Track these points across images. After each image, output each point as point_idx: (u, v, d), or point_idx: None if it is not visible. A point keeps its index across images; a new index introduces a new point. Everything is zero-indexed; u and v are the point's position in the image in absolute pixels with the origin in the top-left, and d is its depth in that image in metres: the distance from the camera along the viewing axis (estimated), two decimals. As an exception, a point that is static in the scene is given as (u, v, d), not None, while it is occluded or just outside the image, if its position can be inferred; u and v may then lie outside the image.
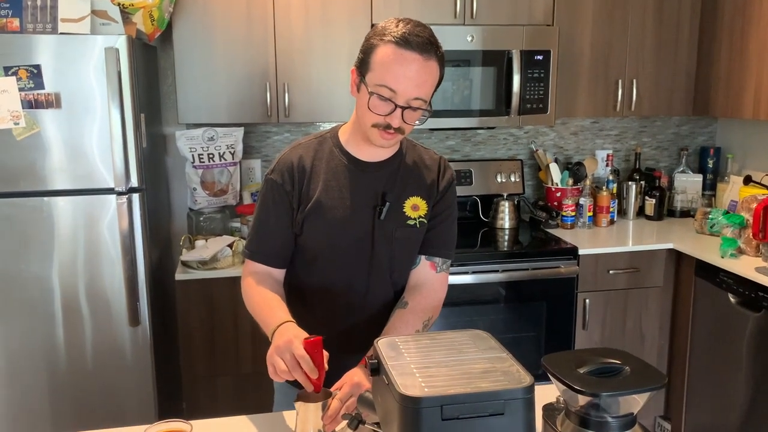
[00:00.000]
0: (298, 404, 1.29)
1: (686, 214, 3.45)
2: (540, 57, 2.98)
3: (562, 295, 2.92)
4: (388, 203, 1.53)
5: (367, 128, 1.44)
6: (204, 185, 2.98)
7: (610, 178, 3.41)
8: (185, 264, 2.71)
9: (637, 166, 3.53)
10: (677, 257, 3.01)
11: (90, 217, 2.44)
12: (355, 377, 1.35)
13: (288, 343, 1.28)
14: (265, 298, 1.49)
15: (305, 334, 1.31)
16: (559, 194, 3.30)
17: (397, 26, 1.39)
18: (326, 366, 1.29)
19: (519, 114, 3.00)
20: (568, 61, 3.09)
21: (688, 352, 2.97)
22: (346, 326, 1.60)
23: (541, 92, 3.01)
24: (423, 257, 1.61)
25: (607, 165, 3.51)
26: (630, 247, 2.97)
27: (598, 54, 3.13)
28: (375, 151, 1.53)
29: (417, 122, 1.45)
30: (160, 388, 2.66)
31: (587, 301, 2.94)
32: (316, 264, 1.57)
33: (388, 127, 1.41)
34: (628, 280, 2.98)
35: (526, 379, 0.92)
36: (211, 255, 2.67)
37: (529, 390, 0.90)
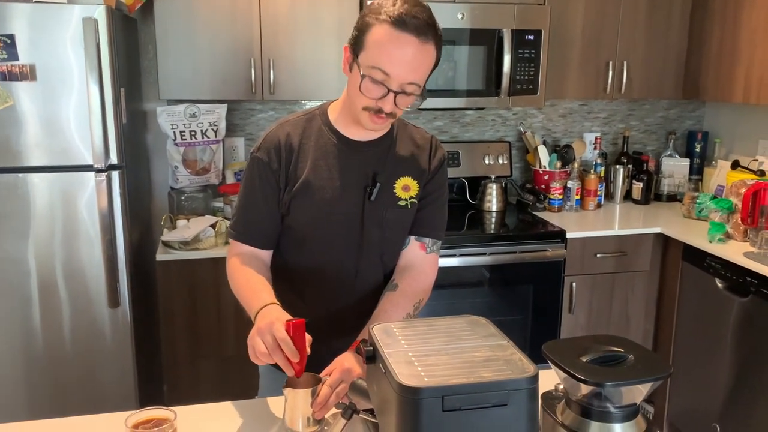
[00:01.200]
0: (286, 390, 1.25)
1: (673, 198, 3.45)
2: (531, 37, 2.92)
3: (549, 278, 2.90)
4: (378, 184, 1.48)
5: (357, 110, 1.39)
6: (186, 163, 2.90)
7: (598, 161, 3.38)
8: (166, 244, 2.64)
9: (625, 150, 3.50)
10: (664, 241, 3.00)
11: (67, 195, 2.36)
12: (346, 363, 1.31)
13: (269, 325, 1.23)
14: (249, 280, 1.44)
15: (288, 317, 1.26)
16: (546, 177, 3.27)
17: (394, 5, 1.32)
18: (308, 350, 1.25)
19: (509, 95, 2.95)
20: (558, 42, 3.04)
21: (674, 337, 2.97)
22: (334, 309, 1.55)
23: (532, 73, 2.96)
24: (412, 238, 1.57)
25: (595, 148, 3.48)
26: (617, 230, 2.96)
27: (590, 35, 3.09)
28: (365, 130, 1.48)
29: (408, 107, 1.40)
30: (141, 371, 2.60)
31: (574, 284, 2.92)
32: (304, 245, 1.52)
33: (379, 111, 1.36)
34: (614, 263, 2.97)
35: (530, 368, 0.89)
36: (194, 235, 2.60)
37: (534, 380, 0.87)
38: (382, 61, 1.31)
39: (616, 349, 1.03)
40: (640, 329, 3.08)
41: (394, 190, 1.51)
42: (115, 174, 2.38)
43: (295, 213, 1.48)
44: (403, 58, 1.31)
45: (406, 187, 1.52)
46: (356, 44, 1.36)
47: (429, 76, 1.39)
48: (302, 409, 1.24)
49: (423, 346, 0.95)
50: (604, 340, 1.07)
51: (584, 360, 1.00)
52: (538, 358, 1.02)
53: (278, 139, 1.48)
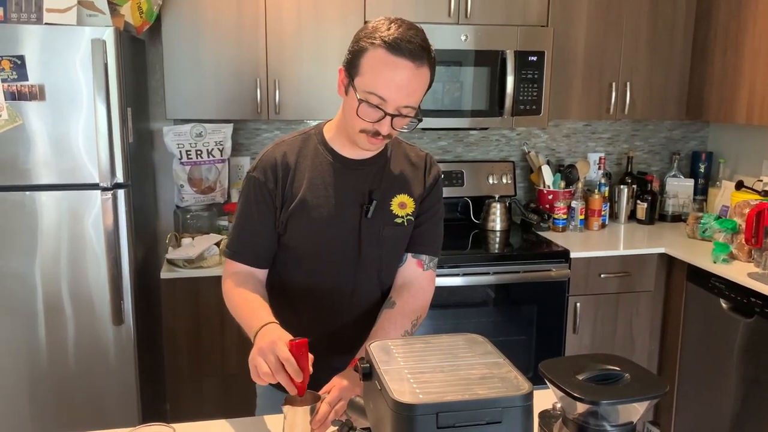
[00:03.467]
0: (286, 408, 1.25)
1: (677, 218, 3.44)
2: (534, 58, 2.95)
3: (553, 298, 2.89)
4: (374, 201, 1.50)
5: (354, 133, 1.41)
6: (191, 182, 2.92)
7: (602, 181, 3.39)
8: (171, 262, 2.66)
9: (629, 170, 3.51)
10: (669, 262, 2.99)
11: (74, 213, 2.38)
12: (345, 381, 1.32)
13: (272, 345, 1.24)
14: (246, 299, 1.45)
15: (289, 336, 1.27)
16: (550, 197, 3.28)
17: (388, 29, 1.33)
18: (311, 369, 1.25)
19: (512, 115, 2.97)
20: (562, 63, 3.07)
21: (678, 357, 2.95)
22: (331, 327, 1.56)
23: (535, 93, 2.98)
24: (409, 255, 1.58)
25: (599, 168, 3.49)
26: (621, 251, 2.95)
27: (592, 56, 3.11)
28: (361, 150, 1.49)
29: (405, 128, 1.42)
30: (144, 389, 2.60)
31: (578, 304, 2.91)
32: (301, 264, 1.53)
33: (376, 133, 1.38)
34: (619, 284, 2.96)
35: (525, 386, 0.89)
36: (198, 253, 2.62)
37: (528, 397, 0.87)
38: (378, 86, 1.32)
39: (612, 367, 1.03)
40: (645, 350, 3.06)
41: (391, 208, 1.52)
42: (121, 192, 2.40)
43: (292, 231, 1.50)
44: (400, 83, 1.32)
45: (403, 205, 1.54)
46: (351, 67, 1.37)
47: (424, 95, 1.41)
48: (301, 426, 1.24)
49: (419, 364, 0.96)
50: (601, 359, 1.07)
51: (580, 378, 1.00)
52: (542, 379, 1.03)
53: (274, 158, 1.50)
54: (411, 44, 1.31)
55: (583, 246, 2.98)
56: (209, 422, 1.42)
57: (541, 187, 3.33)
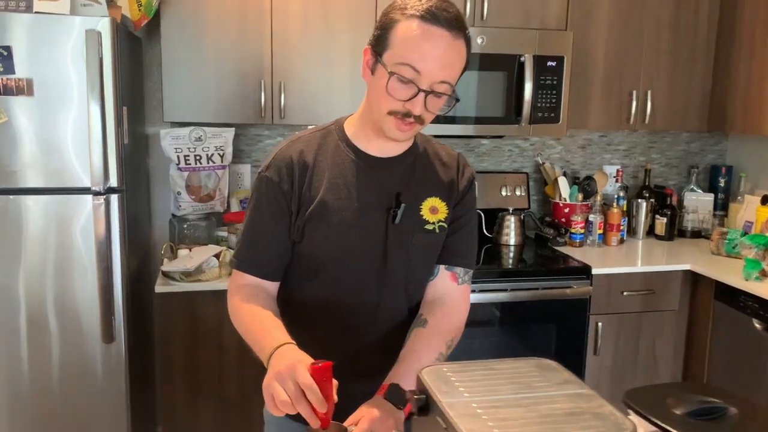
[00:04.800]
0: (307, 442, 1.07)
1: (698, 234, 3.29)
2: (553, 63, 2.81)
3: (573, 317, 2.72)
4: (403, 205, 1.33)
5: (381, 116, 1.25)
6: (189, 189, 2.74)
7: (620, 194, 3.23)
8: (166, 275, 2.48)
9: (647, 183, 3.36)
10: (693, 279, 2.83)
11: (62, 219, 2.21)
12: (375, 410, 1.14)
13: (291, 369, 1.06)
14: (257, 316, 1.27)
15: (310, 359, 1.09)
16: (567, 210, 3.12)
17: (420, 1, 1.20)
18: (336, 397, 1.07)
19: (530, 123, 2.82)
20: (581, 70, 2.93)
21: (705, 380, 2.78)
22: (352, 348, 1.38)
23: (554, 101, 2.83)
24: (442, 267, 1.41)
25: (616, 181, 3.34)
26: (644, 267, 2.79)
27: (612, 63, 2.97)
28: (387, 145, 1.34)
29: (439, 111, 1.25)
30: (134, 412, 2.42)
31: (600, 324, 2.74)
32: (319, 276, 1.36)
33: (407, 115, 1.22)
34: (642, 302, 2.80)
35: (627, 424, 0.71)
36: (196, 266, 2.44)
37: (634, 440, 0.69)
38: (411, 56, 1.18)
39: (713, 399, 0.86)
40: (668, 372, 2.89)
41: (421, 212, 1.36)
42: (113, 198, 2.23)
43: (310, 239, 1.32)
44: (434, 52, 1.18)
45: (434, 209, 1.37)
46: (379, 44, 1.23)
47: (459, 78, 1.25)
48: (325, 464, 1.06)
49: (488, 396, 0.78)
50: (693, 388, 0.90)
51: (678, 412, 0.83)
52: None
53: (290, 157, 1.33)
54: (447, 13, 1.19)
55: (603, 262, 2.82)
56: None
57: (557, 200, 3.17)
